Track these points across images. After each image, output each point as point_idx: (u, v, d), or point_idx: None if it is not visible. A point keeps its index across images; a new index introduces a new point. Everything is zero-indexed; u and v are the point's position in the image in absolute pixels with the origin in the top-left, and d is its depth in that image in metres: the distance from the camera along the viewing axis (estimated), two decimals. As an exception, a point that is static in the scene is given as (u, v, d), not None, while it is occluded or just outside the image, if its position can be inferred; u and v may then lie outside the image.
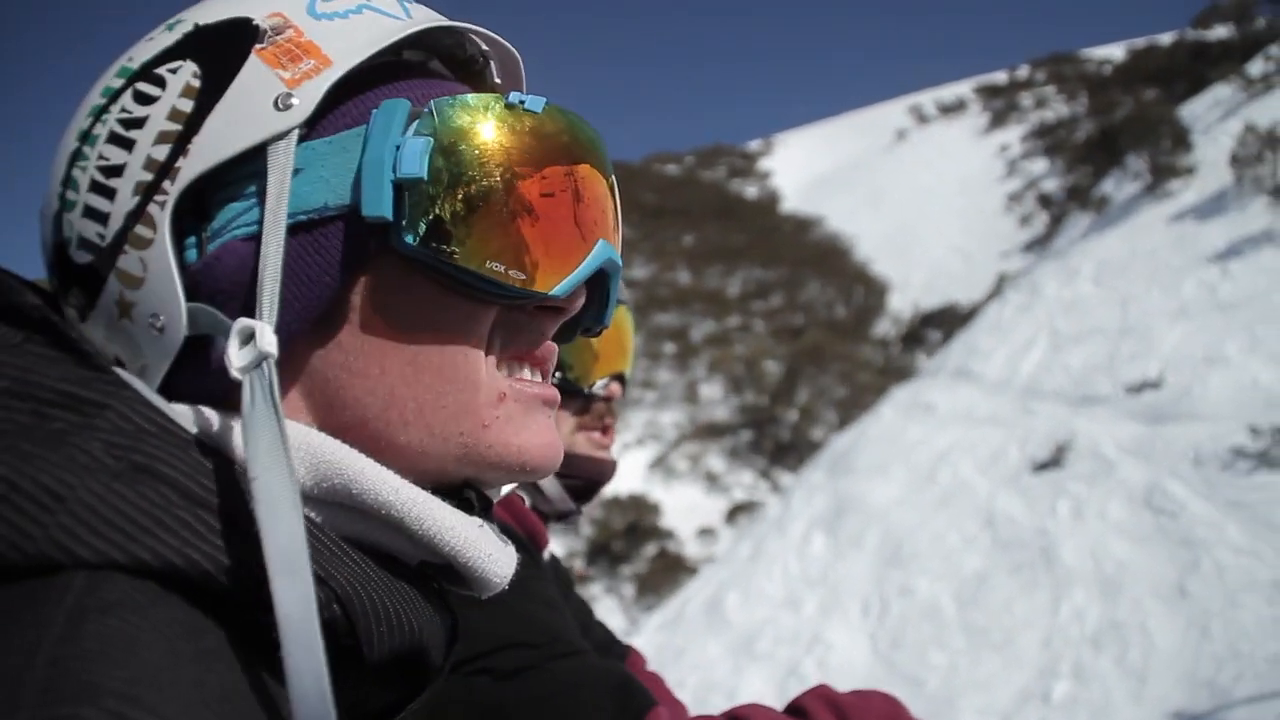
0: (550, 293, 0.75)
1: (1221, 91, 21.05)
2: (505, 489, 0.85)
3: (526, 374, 0.80)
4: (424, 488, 0.74)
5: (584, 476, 1.70)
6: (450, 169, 0.72)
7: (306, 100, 0.71)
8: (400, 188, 0.71)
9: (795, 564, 13.24)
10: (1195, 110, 21.58)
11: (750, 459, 18.63)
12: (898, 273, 56.17)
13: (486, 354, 0.76)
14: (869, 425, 16.02)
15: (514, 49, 0.84)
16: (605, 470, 1.74)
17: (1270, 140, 15.21)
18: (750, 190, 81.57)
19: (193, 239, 0.73)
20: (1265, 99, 18.87)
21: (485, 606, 0.94)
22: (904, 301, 49.90)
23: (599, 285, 0.83)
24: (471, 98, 0.74)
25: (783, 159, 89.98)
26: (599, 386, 1.71)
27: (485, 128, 0.73)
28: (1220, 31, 27.60)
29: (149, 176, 0.71)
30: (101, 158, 0.73)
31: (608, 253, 0.79)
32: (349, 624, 0.66)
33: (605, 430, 1.76)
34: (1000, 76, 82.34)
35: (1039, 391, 14.00)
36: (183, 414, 0.71)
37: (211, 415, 0.71)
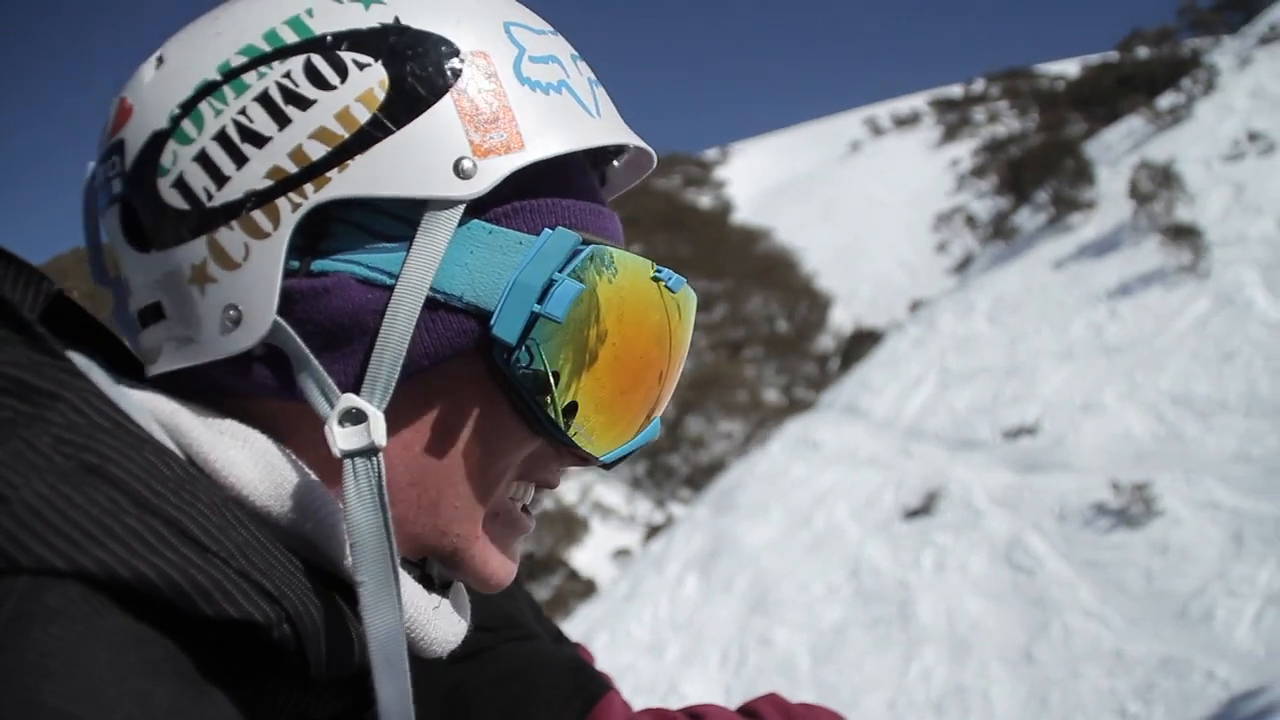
0: (601, 458, 0.76)
1: (1134, 122, 20.78)
2: None
3: (520, 491, 0.80)
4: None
5: None
6: (581, 319, 0.70)
7: (487, 178, 0.68)
8: (533, 318, 0.69)
9: (666, 606, 12.88)
10: (1110, 139, 21.33)
11: (650, 490, 18.24)
12: (845, 286, 55.93)
13: (512, 472, 0.76)
14: (757, 462, 15.66)
15: (654, 155, 0.83)
16: None
17: (1164, 177, 14.91)
18: (705, 200, 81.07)
19: (298, 246, 0.68)
20: (1172, 132, 18.61)
21: None
22: (849, 315, 49.70)
23: None
24: (630, 259, 0.73)
25: (739, 168, 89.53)
26: None
27: (631, 294, 0.73)
28: (1144, 54, 27.52)
29: (293, 168, 0.67)
30: (244, 114, 0.67)
31: (655, 432, 0.81)
32: (298, 642, 0.63)
33: None
34: (956, 90, 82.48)
35: (921, 433, 13.68)
36: (151, 407, 0.67)
37: (187, 416, 0.67)
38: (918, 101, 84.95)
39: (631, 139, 0.77)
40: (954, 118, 75.43)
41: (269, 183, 0.67)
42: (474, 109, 0.69)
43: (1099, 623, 9.01)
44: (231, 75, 0.69)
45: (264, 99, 0.68)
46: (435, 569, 0.79)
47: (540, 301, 0.69)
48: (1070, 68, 69.96)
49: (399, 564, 0.67)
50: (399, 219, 0.68)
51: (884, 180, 69.36)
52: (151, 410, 0.68)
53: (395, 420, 0.70)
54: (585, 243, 0.72)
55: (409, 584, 0.73)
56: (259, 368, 0.70)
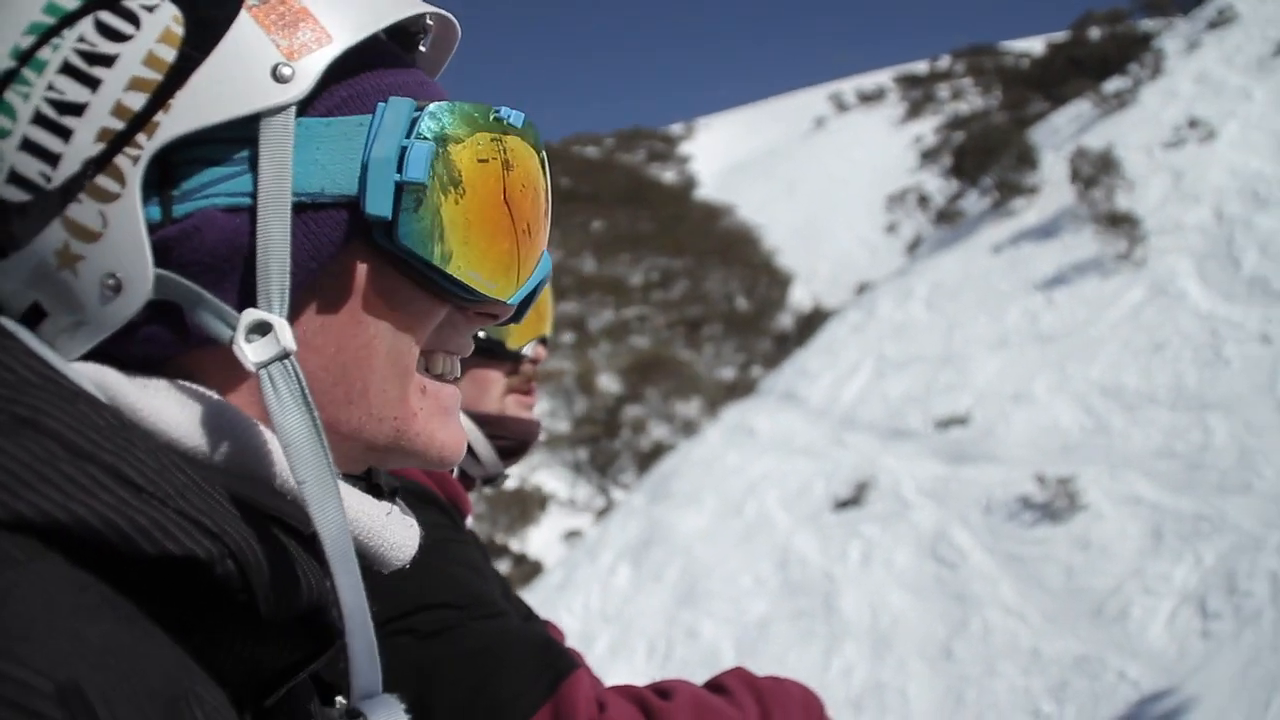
0: (508, 301, 0.79)
1: (1083, 106, 20.68)
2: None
3: (445, 367, 0.82)
4: (339, 469, 0.72)
5: (515, 436, 1.73)
6: (445, 176, 0.72)
7: (305, 76, 0.69)
8: (399, 187, 0.70)
9: (598, 596, 12.76)
10: (1059, 123, 21.23)
11: (592, 476, 18.09)
12: (805, 263, 55.83)
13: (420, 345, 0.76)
14: (694, 448, 15.53)
15: (458, 27, 0.84)
16: (533, 430, 1.78)
17: (1103, 163, 14.82)
18: (669, 175, 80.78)
19: (155, 198, 0.69)
20: (1117, 117, 18.52)
21: (408, 566, 0.99)
22: (809, 294, 49.63)
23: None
24: (469, 107, 0.75)
25: (704, 143, 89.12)
26: (528, 349, 1.76)
27: (479, 139, 0.75)
28: (1097, 36, 27.45)
29: (119, 125, 0.67)
30: (53, 89, 0.68)
31: (549, 268, 0.84)
32: (243, 579, 0.64)
33: (529, 392, 1.81)
34: (922, 66, 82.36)
35: (855, 422, 13.58)
36: (78, 367, 0.68)
37: (115, 375, 0.68)
38: (884, 77, 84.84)
39: (427, 8, 0.79)
40: (918, 94, 75.35)
41: (101, 145, 0.67)
42: (272, 17, 0.70)
43: (1018, 619, 8.95)
44: (26, 57, 0.69)
45: (67, 69, 0.68)
46: (382, 478, 0.81)
47: (399, 171, 0.70)
48: (1036, 45, 70.03)
49: (337, 472, 0.68)
50: (240, 142, 0.69)
51: (846, 157, 69.20)
52: (80, 369, 0.68)
53: (304, 330, 0.72)
54: (421, 107, 0.73)
55: (357, 494, 0.75)
56: (158, 328, 0.70)
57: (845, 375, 14.87)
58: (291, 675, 0.74)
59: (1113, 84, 20.02)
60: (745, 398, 17.58)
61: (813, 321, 21.98)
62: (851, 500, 11.72)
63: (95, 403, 0.65)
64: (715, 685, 1.45)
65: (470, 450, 1.68)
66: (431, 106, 0.74)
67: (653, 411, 20.35)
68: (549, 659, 1.35)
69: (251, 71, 0.68)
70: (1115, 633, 8.27)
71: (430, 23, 0.83)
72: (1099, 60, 23.40)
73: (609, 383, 23.80)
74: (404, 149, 0.71)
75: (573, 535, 24.23)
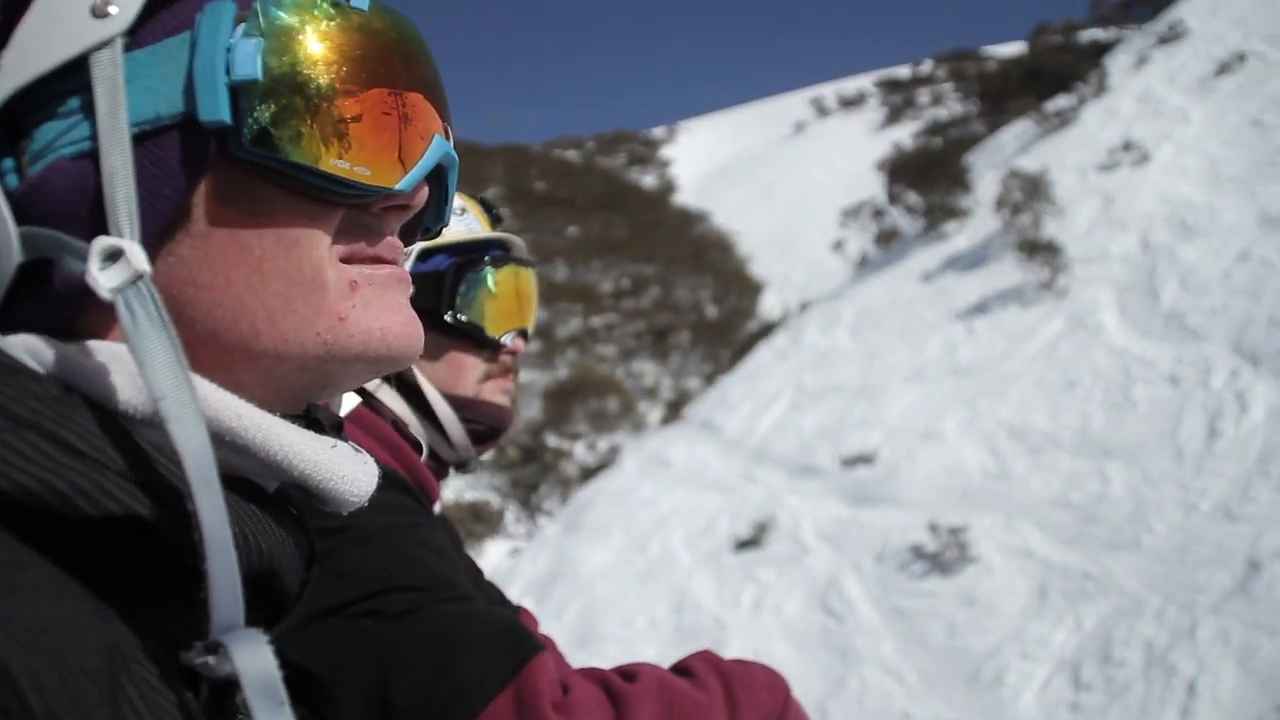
0: (395, 188, 0.75)
1: (1024, 125, 20.23)
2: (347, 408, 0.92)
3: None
4: (276, 408, 0.73)
5: (487, 421, 1.71)
6: (285, 69, 0.70)
7: (126, 7, 0.68)
8: (235, 91, 0.69)
9: (498, 635, 12.33)
10: (1004, 140, 20.79)
11: (517, 502, 17.58)
12: (779, 270, 55.40)
13: (332, 255, 0.74)
14: (611, 479, 15.10)
15: None
16: (507, 417, 1.76)
17: (1032, 187, 14.38)
18: (649, 179, 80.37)
19: (10, 161, 0.69)
20: (1056, 136, 18.08)
21: (372, 548, 1.25)
22: (781, 302, 49.20)
23: (438, 181, 0.82)
24: None
25: (685, 147, 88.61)
26: (507, 339, 1.74)
27: (316, 26, 0.72)
28: (1049, 50, 26.92)
29: None
30: None
31: (445, 147, 0.79)
32: (189, 541, 0.63)
33: (508, 379, 1.78)
34: (904, 71, 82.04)
35: (766, 456, 13.17)
36: (11, 341, 0.68)
37: (42, 342, 0.68)
38: (865, 82, 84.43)
39: None
40: (898, 99, 74.94)
41: None
42: None
43: (895, 679, 8.59)
44: None
45: None
46: (322, 414, 0.78)
47: (229, 73, 0.68)
48: (1019, 49, 69.60)
49: (202, 386, 0.66)
50: (77, 91, 0.68)
51: (824, 163, 68.78)
52: (14, 341, 0.67)
53: (187, 268, 0.70)
54: (244, 8, 0.71)
55: (297, 430, 0.72)
56: (54, 288, 0.68)
57: (764, 405, 14.44)
58: None
59: (1059, 101, 19.56)
60: (671, 424, 17.18)
61: (762, 336, 21.50)
62: (751, 541, 11.34)
63: (35, 375, 0.65)
64: (680, 668, 1.45)
65: (442, 433, 1.68)
66: (257, 3, 0.71)
67: (583, 434, 19.90)
68: (513, 642, 1.33)
69: (70, 13, 0.68)
70: (988, 700, 7.91)
71: None
72: (1054, 73, 22.99)
73: (533, 406, 23.30)
74: (229, 50, 0.68)
75: (516, 553, 23.85)
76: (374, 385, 1.63)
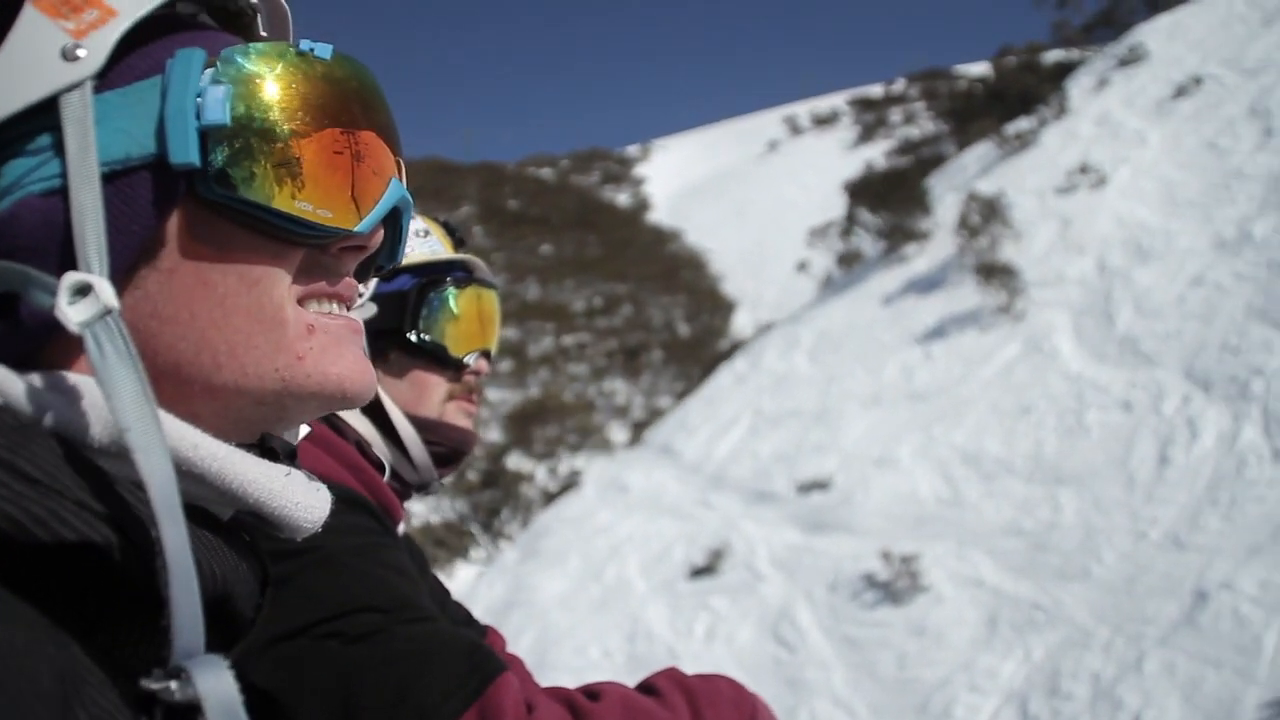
0: (354, 230, 0.78)
1: (985, 147, 20.25)
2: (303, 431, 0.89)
3: (333, 309, 0.81)
4: (232, 438, 0.74)
5: (451, 443, 1.72)
6: (252, 115, 0.73)
7: (96, 50, 0.71)
8: (204, 135, 0.72)
9: (452, 664, 12.18)
10: (966, 161, 20.82)
11: (477, 527, 17.42)
12: (752, 288, 55.39)
13: (292, 293, 0.76)
14: (570, 504, 14.97)
15: (284, 2, 0.86)
16: (469, 440, 1.77)
17: (990, 210, 14.37)
18: (622, 197, 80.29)
19: None
20: (1016, 159, 18.10)
21: (335, 570, 1.24)
22: (755, 319, 49.15)
23: (393, 222, 0.85)
24: (265, 46, 0.76)
25: (659, 165, 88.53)
26: (470, 359, 1.75)
27: (281, 74, 0.75)
28: (1011, 72, 27.00)
29: None
30: None
31: (400, 190, 0.83)
32: (142, 566, 0.65)
33: (471, 400, 1.80)
34: (877, 89, 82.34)
35: (723, 481, 13.08)
36: None
37: (6, 372, 0.68)
38: (838, 100, 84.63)
39: None
40: (871, 118, 75.15)
41: None
42: (54, 2, 0.71)
43: (845, 712, 8.50)
44: None
45: None
46: (277, 443, 0.80)
47: (198, 118, 0.71)
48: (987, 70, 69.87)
49: (161, 420, 0.66)
50: (45, 129, 0.70)
51: (797, 181, 68.82)
52: None
53: (153, 303, 0.72)
54: (214, 56, 0.74)
55: (252, 459, 0.74)
56: (18, 322, 0.70)
57: (722, 429, 14.36)
58: None
59: (1020, 123, 19.59)
60: (632, 447, 17.07)
61: (730, 355, 21.41)
62: (706, 569, 11.24)
63: None
64: (646, 686, 1.45)
65: (406, 454, 1.68)
66: (225, 51, 0.74)
67: (548, 456, 19.77)
68: (476, 662, 1.32)
69: (42, 57, 0.69)
70: (936, 734, 7.82)
71: (255, 2, 0.84)
72: (1018, 95, 23.07)
73: (495, 429, 23.12)
74: (199, 96, 0.71)
75: (477, 577, 23.66)
76: None
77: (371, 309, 1.66)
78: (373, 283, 1.63)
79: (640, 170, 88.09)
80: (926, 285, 15.33)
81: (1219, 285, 11.56)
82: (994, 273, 13.13)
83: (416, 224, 1.75)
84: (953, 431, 11.42)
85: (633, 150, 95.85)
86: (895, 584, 9.38)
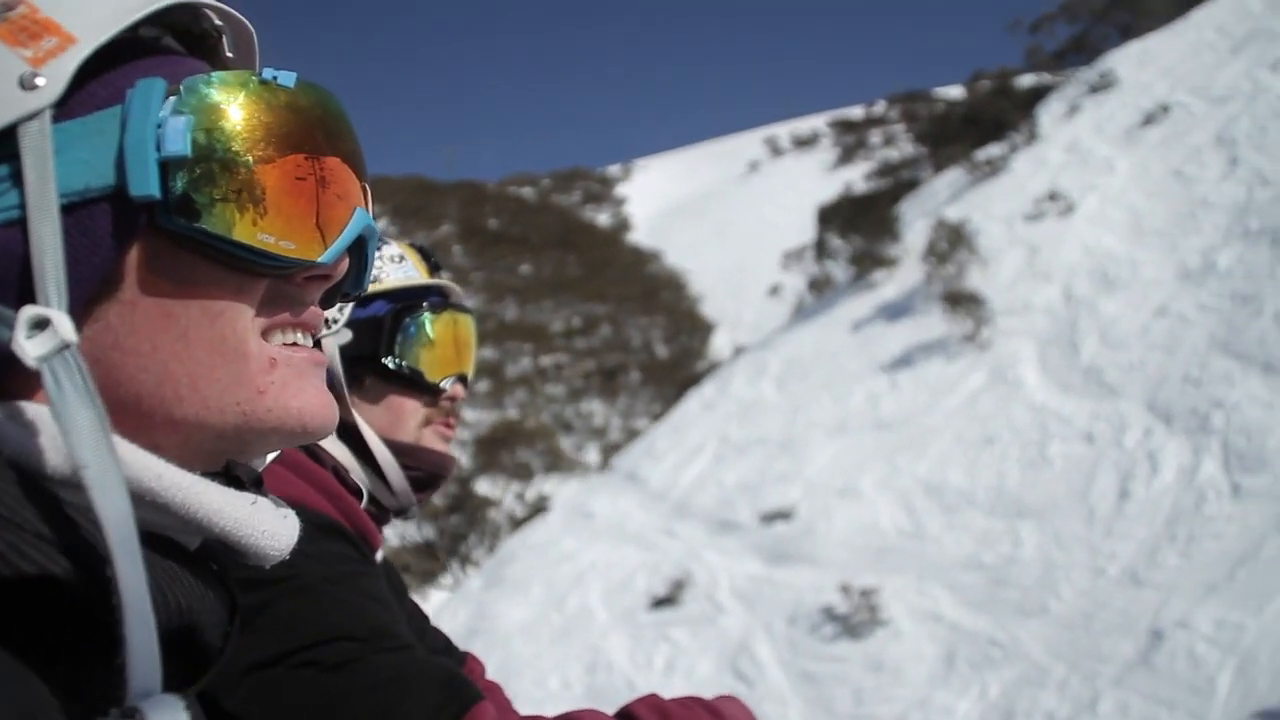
0: (318, 260, 0.77)
1: (956, 173, 20.24)
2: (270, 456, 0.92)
3: (299, 338, 0.80)
4: (196, 467, 0.74)
5: (429, 468, 1.71)
6: (213, 145, 0.72)
7: (55, 79, 0.69)
8: (165, 166, 0.71)
9: (412, 694, 12.03)
10: (938, 187, 20.82)
11: (443, 552, 17.19)
12: (731, 309, 55.36)
13: (255, 325, 0.76)
14: (534, 530, 14.84)
15: (248, 23, 0.85)
16: (447, 464, 1.76)
17: (957, 237, 14.34)
18: (603, 217, 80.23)
19: None
20: (986, 185, 18.10)
21: (311, 598, 1.24)
22: (732, 341, 49.08)
23: (358, 250, 0.84)
24: (227, 75, 0.75)
25: (640, 185, 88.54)
26: (446, 384, 1.75)
27: (243, 103, 0.74)
28: (984, 96, 27.02)
29: None
30: None
31: (365, 219, 0.82)
32: (103, 598, 0.64)
33: (449, 425, 1.79)
34: (857, 111, 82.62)
35: (687, 510, 12.98)
36: None
37: None
38: (819, 122, 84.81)
39: None
40: (851, 140, 75.33)
41: None
42: (13, 32, 0.70)
43: (801, 750, 8.39)
44: None
45: None
46: (241, 470, 0.79)
47: (159, 149, 0.70)
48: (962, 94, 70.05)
49: (119, 457, 0.66)
50: (4, 159, 0.69)
51: (777, 202, 68.87)
52: None
53: (114, 335, 0.71)
54: (175, 85, 0.73)
55: (217, 488, 0.73)
56: None
57: (688, 457, 14.26)
58: None
59: (991, 149, 19.59)
60: (600, 473, 16.94)
61: (705, 377, 21.29)
62: (667, 599, 11.14)
63: None
64: (625, 713, 1.43)
65: (384, 480, 1.67)
66: (186, 81, 0.73)
67: (510, 481, 19.58)
68: (452, 690, 1.32)
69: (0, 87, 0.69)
70: (890, 773, 7.74)
71: (220, 23, 0.83)
72: (991, 120, 23.09)
73: (463, 454, 22.90)
74: (160, 126, 0.70)
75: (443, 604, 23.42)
76: None
77: (347, 335, 1.64)
78: (349, 308, 1.64)
79: (621, 190, 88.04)
80: (894, 312, 15.28)
81: (1182, 316, 11.55)
82: (960, 301, 13.08)
83: (392, 249, 1.74)
84: (916, 462, 11.35)
85: (614, 170, 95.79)
86: (854, 618, 9.30)
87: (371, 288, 1.61)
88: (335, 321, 1.61)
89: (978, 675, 8.13)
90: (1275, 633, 7.09)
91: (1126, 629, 7.87)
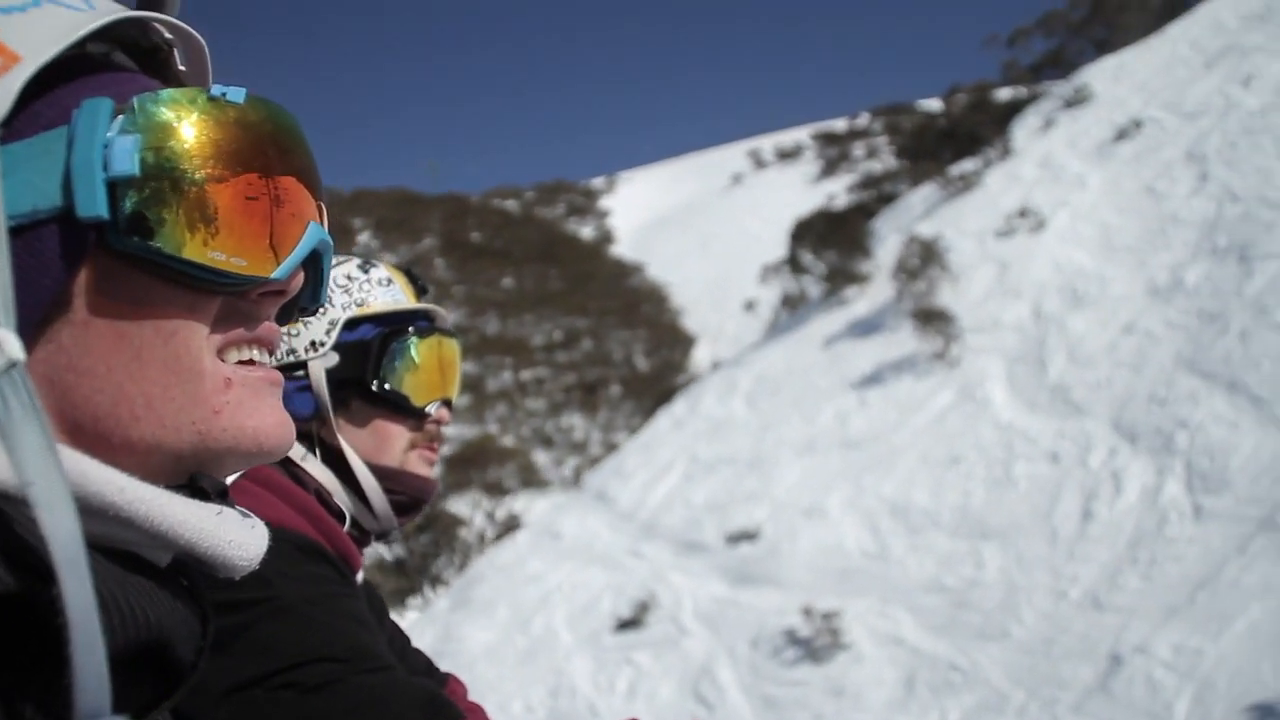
0: (272, 276, 0.76)
1: (931, 188, 20.19)
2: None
3: (256, 355, 0.79)
4: (157, 483, 0.72)
5: (411, 492, 1.70)
6: (162, 164, 0.71)
7: None
8: (113, 186, 0.70)
9: (376, 717, 11.88)
10: (913, 202, 20.77)
11: (411, 573, 17.02)
12: (714, 321, 55.30)
13: (210, 344, 0.75)
14: (502, 551, 14.70)
15: (199, 37, 0.84)
16: (430, 488, 1.75)
17: (928, 254, 14.27)
18: (587, 230, 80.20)
19: None
20: (959, 201, 18.06)
21: (291, 620, 1.21)
22: (713, 353, 49.00)
23: (314, 265, 0.83)
24: (175, 92, 0.74)
25: (624, 198, 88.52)
26: (432, 408, 1.73)
27: (192, 121, 0.74)
28: (959, 111, 27.03)
29: None
30: None
31: (320, 233, 0.81)
32: (51, 611, 0.63)
33: (433, 449, 1.77)
34: (840, 124, 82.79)
35: (655, 530, 12.87)
36: None
37: None
38: (802, 134, 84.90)
39: (123, 14, 0.76)
40: (834, 152, 75.40)
41: None
42: None
43: (759, 776, 8.28)
44: None
45: None
46: (206, 481, 0.77)
47: (106, 169, 0.69)
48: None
49: (66, 475, 0.64)
50: None
51: (760, 215, 68.91)
52: None
53: (68, 356, 0.71)
54: (122, 104, 0.72)
55: (181, 500, 0.72)
56: None
57: (657, 476, 14.14)
58: (141, 717, 0.73)
59: (966, 164, 19.54)
60: (569, 491, 16.82)
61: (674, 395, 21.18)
62: (632, 621, 11.02)
63: None
64: None
65: (366, 503, 1.66)
66: (134, 99, 0.72)
67: (480, 501, 19.42)
68: (433, 711, 1.33)
69: None
70: (848, 801, 7.62)
71: (170, 36, 0.82)
72: (968, 134, 23.07)
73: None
74: (107, 146, 0.69)
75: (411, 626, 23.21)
76: (299, 454, 1.62)
77: (334, 358, 1.63)
78: (336, 331, 1.64)
79: (605, 202, 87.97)
80: (865, 329, 15.20)
81: (1150, 333, 11.49)
82: (930, 318, 13.02)
83: (380, 272, 1.74)
84: (883, 482, 11.26)
85: (598, 182, 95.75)
86: (816, 641, 9.20)
87: (359, 311, 1.63)
88: (322, 345, 1.61)
89: (937, 700, 8.03)
90: (1233, 658, 7.00)
91: (1086, 654, 7.78)
